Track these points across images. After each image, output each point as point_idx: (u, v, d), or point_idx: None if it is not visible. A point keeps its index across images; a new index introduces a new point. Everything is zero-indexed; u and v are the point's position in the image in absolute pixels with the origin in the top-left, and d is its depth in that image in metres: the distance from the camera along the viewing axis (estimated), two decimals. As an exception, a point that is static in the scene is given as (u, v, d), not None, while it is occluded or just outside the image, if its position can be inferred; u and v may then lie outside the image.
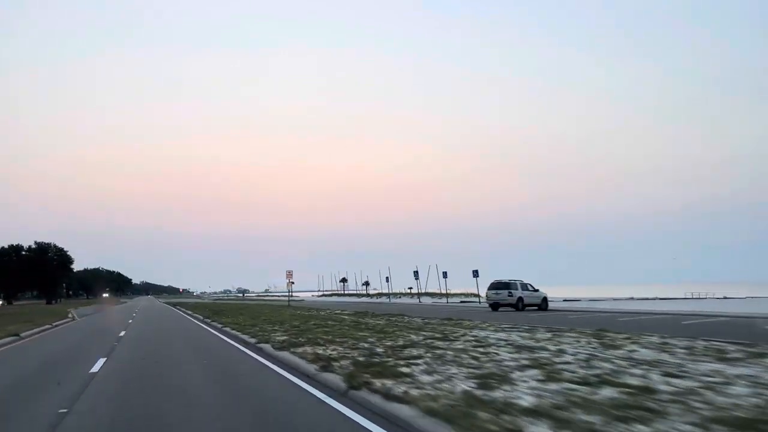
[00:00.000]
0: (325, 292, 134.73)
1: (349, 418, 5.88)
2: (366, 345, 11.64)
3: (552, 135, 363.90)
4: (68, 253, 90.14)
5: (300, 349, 11.22)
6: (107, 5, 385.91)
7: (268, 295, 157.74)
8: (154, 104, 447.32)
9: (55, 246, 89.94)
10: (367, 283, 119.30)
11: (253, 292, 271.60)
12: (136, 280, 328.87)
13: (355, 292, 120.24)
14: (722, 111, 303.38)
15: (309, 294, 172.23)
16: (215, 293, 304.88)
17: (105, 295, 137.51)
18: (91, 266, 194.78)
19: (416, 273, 69.61)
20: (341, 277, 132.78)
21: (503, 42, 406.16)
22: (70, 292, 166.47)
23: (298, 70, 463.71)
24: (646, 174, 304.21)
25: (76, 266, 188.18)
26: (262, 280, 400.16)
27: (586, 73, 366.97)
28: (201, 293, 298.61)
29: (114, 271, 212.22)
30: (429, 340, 12.27)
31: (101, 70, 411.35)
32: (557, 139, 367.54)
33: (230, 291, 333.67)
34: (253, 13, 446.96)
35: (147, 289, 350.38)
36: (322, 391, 7.30)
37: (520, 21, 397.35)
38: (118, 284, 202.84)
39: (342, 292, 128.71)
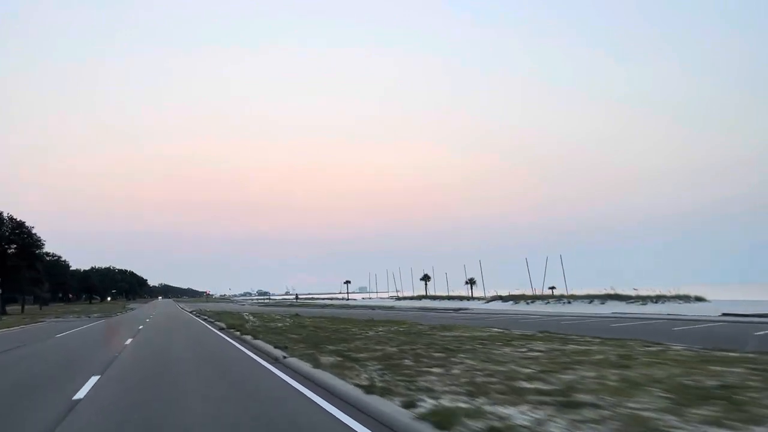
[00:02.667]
0: (401, 296, 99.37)
1: None
2: None
3: (570, 135, 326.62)
4: (35, 232, 54.88)
5: None
6: (118, 7, 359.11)
7: (325, 300, 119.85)
8: (171, 107, 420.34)
9: (11, 218, 54.30)
10: (472, 281, 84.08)
11: (277, 295, 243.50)
12: (153, 282, 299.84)
13: (452, 294, 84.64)
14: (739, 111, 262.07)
15: (360, 296, 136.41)
16: (236, 296, 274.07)
17: (109, 298, 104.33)
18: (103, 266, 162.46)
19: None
20: (423, 274, 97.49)
21: (520, 42, 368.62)
22: (70, 295, 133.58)
23: (313, 70, 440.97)
24: (666, 174, 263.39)
25: (83, 265, 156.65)
26: (277, 282, 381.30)
27: (606, 74, 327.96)
28: (222, 296, 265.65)
29: (126, 270, 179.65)
30: None
31: (112, 73, 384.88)
32: (577, 139, 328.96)
33: (250, 293, 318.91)
34: (268, 14, 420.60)
35: (165, 291, 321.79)
36: None
37: (535, 20, 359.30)
38: (130, 285, 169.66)
39: (426, 294, 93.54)
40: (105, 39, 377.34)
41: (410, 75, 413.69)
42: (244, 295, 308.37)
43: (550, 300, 55.77)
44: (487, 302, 64.90)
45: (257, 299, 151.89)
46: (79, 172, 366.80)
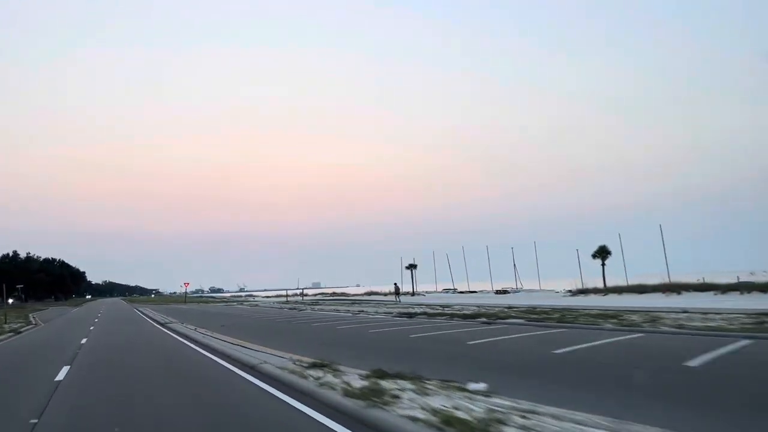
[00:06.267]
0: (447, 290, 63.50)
1: None
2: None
3: (515, 131, 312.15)
4: None
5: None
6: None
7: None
8: (110, 102, 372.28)
9: None
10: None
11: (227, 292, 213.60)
12: (97, 279, 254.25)
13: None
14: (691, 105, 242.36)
15: (381, 289, 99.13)
16: (186, 293, 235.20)
17: (11, 300, 65.84)
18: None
19: None
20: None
21: (467, 38, 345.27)
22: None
23: (262, 67, 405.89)
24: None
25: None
26: (228, 279, 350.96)
27: (552, 68, 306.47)
28: (172, 293, 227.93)
29: (55, 260, 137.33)
30: None
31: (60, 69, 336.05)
32: (521, 135, 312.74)
33: (203, 291, 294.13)
34: (219, 12, 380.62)
35: (110, 289, 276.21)
36: None
37: (482, 16, 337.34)
38: (57, 279, 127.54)
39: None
40: (78, 33, 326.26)
41: (363, 73, 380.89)
42: (196, 292, 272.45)
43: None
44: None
45: (264, 299, 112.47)
46: (23, 165, 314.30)
